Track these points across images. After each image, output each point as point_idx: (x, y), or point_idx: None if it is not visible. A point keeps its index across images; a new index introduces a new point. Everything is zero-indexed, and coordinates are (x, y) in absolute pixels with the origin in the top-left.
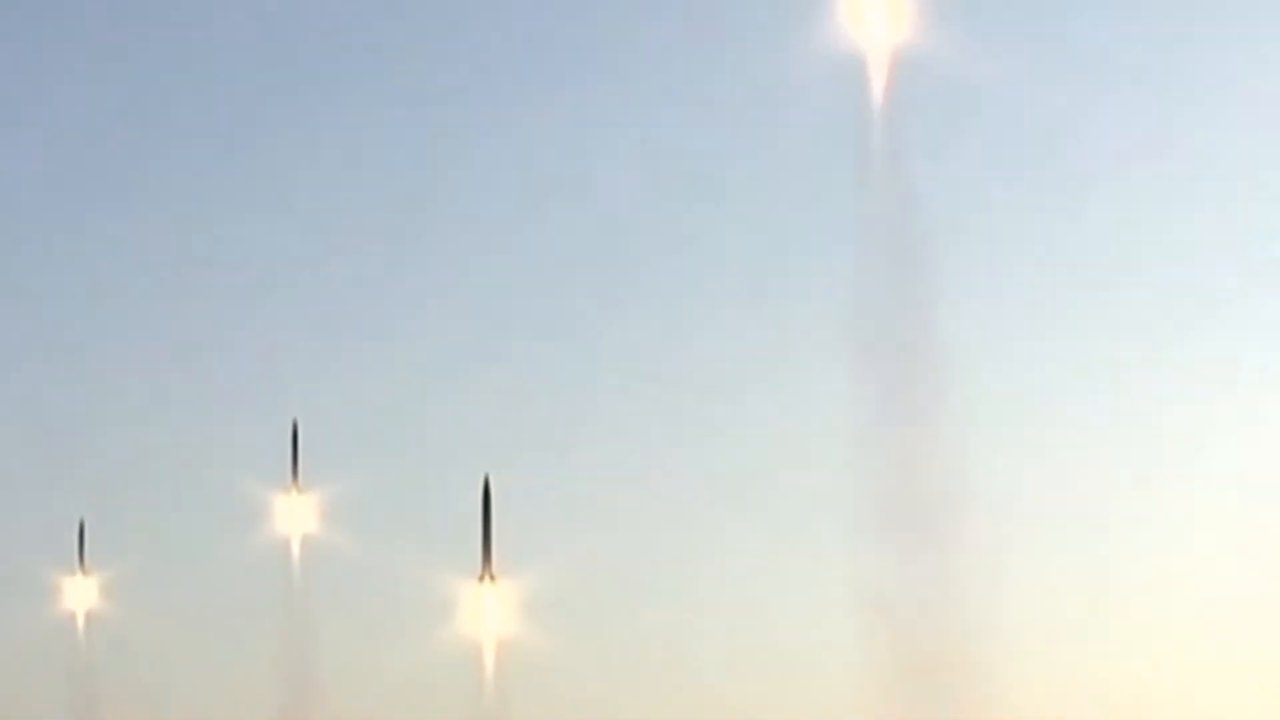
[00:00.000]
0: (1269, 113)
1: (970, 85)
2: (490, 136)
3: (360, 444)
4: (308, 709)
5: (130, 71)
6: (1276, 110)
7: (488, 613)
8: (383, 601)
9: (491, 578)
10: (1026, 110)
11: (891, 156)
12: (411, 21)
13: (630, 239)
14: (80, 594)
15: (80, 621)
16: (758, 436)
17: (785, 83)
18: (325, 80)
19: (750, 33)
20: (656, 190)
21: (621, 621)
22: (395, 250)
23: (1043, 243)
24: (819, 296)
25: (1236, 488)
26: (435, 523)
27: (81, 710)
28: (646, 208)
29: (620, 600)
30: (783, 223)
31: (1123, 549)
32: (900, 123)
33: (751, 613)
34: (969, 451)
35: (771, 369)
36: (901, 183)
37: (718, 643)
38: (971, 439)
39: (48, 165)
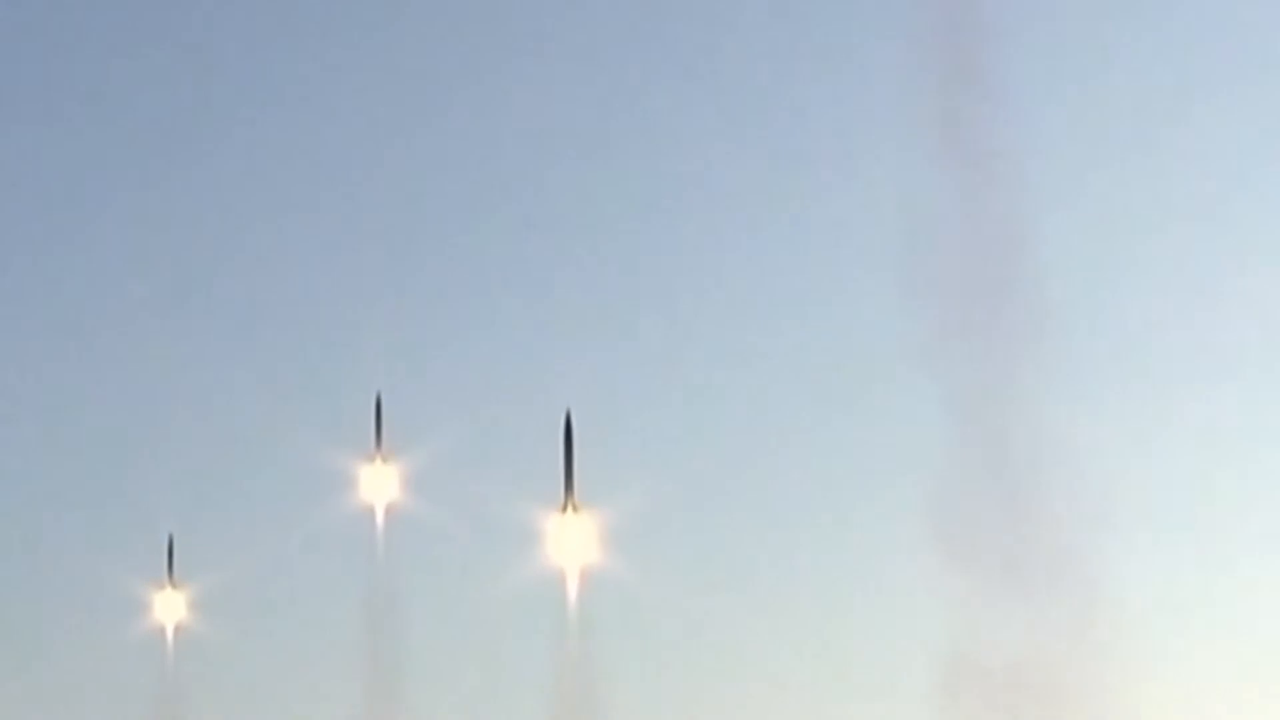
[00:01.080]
0: None
1: None
2: (546, 95)
3: (439, 400)
4: (397, 677)
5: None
6: None
7: (570, 542)
8: (467, 545)
9: (574, 508)
10: None
11: None
12: None
13: (710, 170)
14: (170, 608)
15: (170, 635)
16: (842, 363)
17: None
18: (431, 66)
19: None
20: (719, 117)
21: (702, 547)
22: (461, 191)
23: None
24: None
25: None
26: (518, 467)
27: None
28: (715, 135)
29: (701, 527)
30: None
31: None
32: None
33: (834, 539)
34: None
35: (851, 294)
36: None
37: (800, 571)
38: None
39: (115, 158)
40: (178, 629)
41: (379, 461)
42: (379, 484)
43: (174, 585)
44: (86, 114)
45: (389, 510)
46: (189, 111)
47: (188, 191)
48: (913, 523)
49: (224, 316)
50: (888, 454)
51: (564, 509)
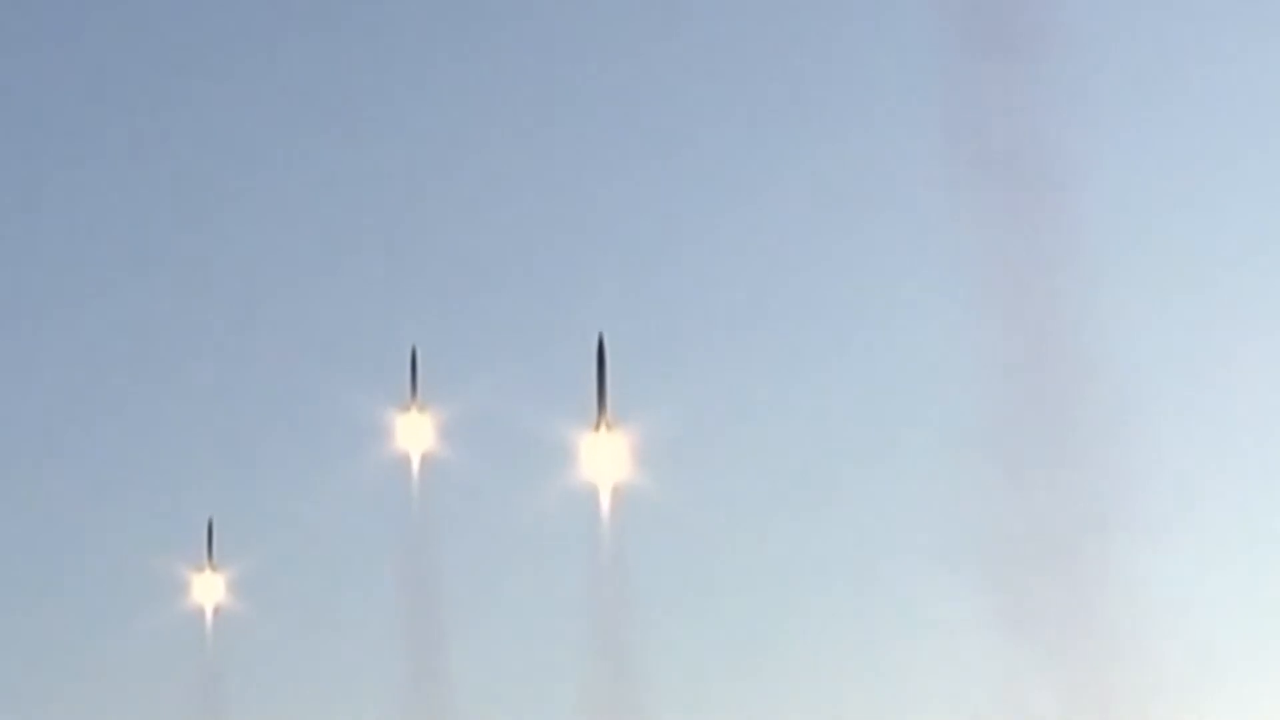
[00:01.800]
0: None
1: None
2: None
3: (472, 337)
4: (436, 621)
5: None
6: None
7: (603, 460)
8: (503, 472)
9: (608, 427)
10: None
11: None
12: None
13: (741, 96)
14: (209, 590)
15: (209, 617)
16: (878, 281)
17: None
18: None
19: None
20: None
21: (733, 464)
22: (489, 132)
23: None
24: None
25: None
26: (552, 388)
27: (210, 706)
28: (752, 61)
29: (732, 444)
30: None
31: None
32: None
33: (871, 454)
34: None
35: (890, 205)
36: None
37: (835, 488)
38: None
39: (153, 149)
40: (217, 610)
41: (414, 411)
42: (415, 433)
43: (213, 567)
44: (103, 98)
45: (425, 459)
46: (211, 74)
47: (218, 161)
48: (941, 448)
49: (252, 290)
50: (924, 375)
51: (597, 428)
